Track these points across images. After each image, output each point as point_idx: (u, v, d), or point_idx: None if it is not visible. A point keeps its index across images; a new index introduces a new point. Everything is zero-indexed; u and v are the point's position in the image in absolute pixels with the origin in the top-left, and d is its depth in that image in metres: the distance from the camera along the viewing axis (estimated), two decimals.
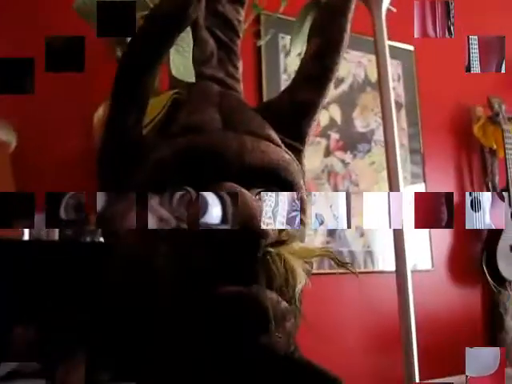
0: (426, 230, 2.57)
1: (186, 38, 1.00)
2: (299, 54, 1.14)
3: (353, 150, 2.38)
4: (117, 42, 1.60)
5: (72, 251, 1.33)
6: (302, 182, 0.95)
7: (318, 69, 1.01)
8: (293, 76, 1.05)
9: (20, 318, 1.14)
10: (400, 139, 2.54)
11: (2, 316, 1.11)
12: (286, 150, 0.95)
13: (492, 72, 2.75)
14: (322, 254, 0.86)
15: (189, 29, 0.99)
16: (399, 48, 2.58)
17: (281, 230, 0.84)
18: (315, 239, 2.17)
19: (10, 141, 1.52)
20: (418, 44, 2.66)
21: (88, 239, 1.51)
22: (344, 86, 2.38)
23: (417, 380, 1.41)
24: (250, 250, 0.76)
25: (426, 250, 2.57)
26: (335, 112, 2.34)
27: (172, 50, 0.97)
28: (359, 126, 2.41)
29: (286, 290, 0.79)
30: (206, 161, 0.85)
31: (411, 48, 2.65)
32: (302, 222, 0.90)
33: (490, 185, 2.79)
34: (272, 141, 0.93)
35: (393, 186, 1.45)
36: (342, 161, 2.33)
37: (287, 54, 2.23)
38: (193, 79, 1.01)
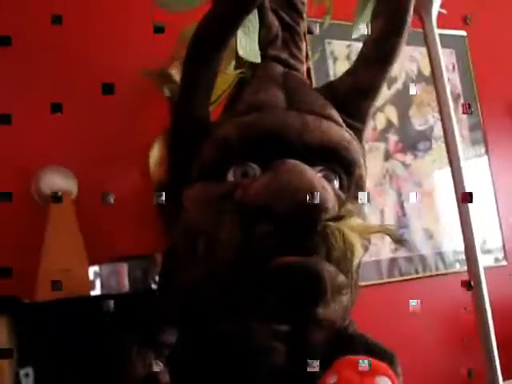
0: (497, 225, 2.47)
1: (252, 20, 1.01)
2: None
3: (413, 150, 2.29)
4: (164, 82, 1.59)
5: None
6: (362, 160, 0.97)
7: (379, 52, 1.02)
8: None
9: None
10: (460, 131, 2.44)
11: None
12: (347, 129, 0.97)
13: None
14: (380, 231, 0.88)
15: (255, 11, 1.01)
16: (451, 35, 2.47)
17: (340, 206, 0.86)
18: (383, 248, 2.10)
19: (72, 189, 1.52)
20: (470, 29, 2.54)
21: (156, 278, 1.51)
22: (397, 85, 2.29)
23: (500, 378, 1.38)
24: (311, 224, 0.79)
25: (498, 246, 2.47)
26: (391, 113, 2.25)
27: (239, 31, 0.99)
28: (417, 124, 2.32)
29: (344, 264, 0.81)
30: (269, 139, 0.88)
31: (464, 33, 2.53)
32: (360, 199, 0.95)
33: None
34: (334, 120, 0.96)
35: (456, 183, 1.42)
36: (403, 163, 2.25)
37: (335, 59, 2.17)
38: (258, 60, 1.02)
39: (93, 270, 1.45)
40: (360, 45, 1.02)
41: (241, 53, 1.01)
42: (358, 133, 1.01)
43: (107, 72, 1.72)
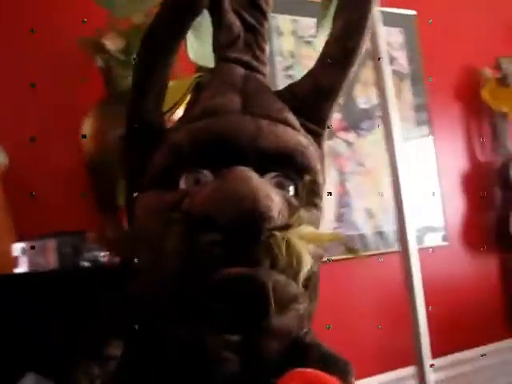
0: (440, 204, 2.51)
1: (204, 23, 0.99)
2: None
3: (356, 128, 2.29)
4: (97, 52, 1.53)
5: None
6: (319, 166, 0.94)
7: (341, 51, 0.99)
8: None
9: None
10: (405, 112, 2.45)
11: None
12: (305, 134, 0.95)
13: (500, 32, 2.65)
14: (332, 239, 0.86)
15: (207, 14, 0.99)
16: (400, 14, 2.46)
17: (292, 214, 0.84)
18: (323, 225, 2.10)
19: (1, 161, 1.46)
20: (420, 8, 2.54)
21: (88, 256, 1.48)
22: None
23: (428, 355, 1.42)
24: (254, 233, 0.77)
25: (439, 226, 2.50)
26: None
27: (190, 35, 0.98)
28: (361, 102, 2.32)
29: (291, 274, 0.80)
30: (221, 144, 0.86)
31: (413, 13, 2.52)
32: (317, 205, 0.92)
33: (501, 150, 2.70)
34: (290, 125, 0.93)
35: (393, 164, 1.43)
36: (346, 141, 2.24)
37: (280, 34, 2.13)
38: (211, 64, 1.00)
39: (19, 247, 1.40)
40: (307, 19, 0.98)
41: (191, 56, 1.01)
42: (317, 137, 0.98)
43: (42, 42, 1.66)
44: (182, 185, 0.87)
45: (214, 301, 0.78)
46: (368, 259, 2.24)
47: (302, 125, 0.96)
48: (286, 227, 0.80)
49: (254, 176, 0.82)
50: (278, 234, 0.79)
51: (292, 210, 0.85)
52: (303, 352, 0.89)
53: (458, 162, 2.65)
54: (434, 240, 2.49)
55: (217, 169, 0.85)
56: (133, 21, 1.52)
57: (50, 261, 1.41)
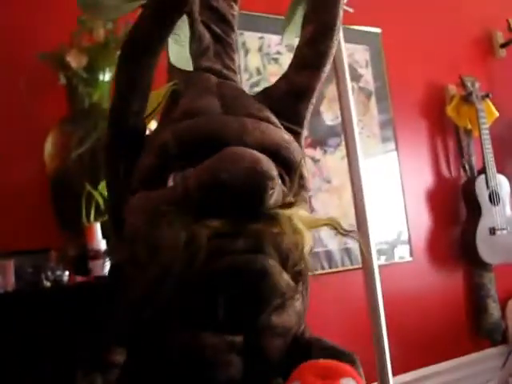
0: (404, 220, 2.52)
1: (183, 28, 1.01)
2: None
3: (323, 145, 2.30)
4: (60, 69, 1.52)
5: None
6: (302, 160, 0.97)
7: (313, 54, 1.04)
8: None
9: None
10: (371, 128, 2.46)
11: None
12: (286, 131, 0.98)
13: (463, 50, 2.67)
14: (327, 223, 0.88)
15: (186, 19, 1.01)
16: (366, 32, 2.48)
17: (285, 197, 0.86)
18: None
19: None
20: (385, 26, 2.57)
21: (49, 275, 1.45)
22: None
23: (390, 372, 1.41)
24: (258, 193, 0.77)
25: (404, 241, 2.52)
26: None
27: (170, 40, 0.98)
28: (328, 119, 2.32)
29: (296, 251, 0.80)
30: (208, 141, 0.87)
31: (378, 30, 2.55)
32: (303, 197, 0.96)
33: (466, 166, 2.74)
34: (272, 122, 0.96)
35: (354, 179, 1.43)
36: (312, 158, 2.25)
37: (246, 51, 2.14)
38: (190, 68, 1.02)
39: None
40: (273, 37, 1.00)
41: (172, 60, 1.01)
42: (296, 136, 1.01)
43: (1, 56, 1.64)
44: (171, 184, 0.87)
45: (216, 290, 0.77)
46: (334, 275, 2.24)
47: (282, 125, 0.99)
48: (288, 205, 0.82)
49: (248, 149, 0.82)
50: (281, 211, 0.80)
51: (285, 193, 0.86)
52: (306, 348, 0.90)
53: (423, 178, 2.67)
54: (403, 252, 2.51)
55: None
56: (95, 37, 1.51)
57: (8, 281, 1.38)
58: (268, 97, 1.03)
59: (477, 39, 2.94)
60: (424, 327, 2.47)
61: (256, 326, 0.82)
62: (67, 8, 1.67)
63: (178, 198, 0.82)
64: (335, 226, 0.88)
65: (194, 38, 1.04)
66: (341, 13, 1.06)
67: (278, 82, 1.06)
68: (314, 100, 1.04)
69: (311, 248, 0.87)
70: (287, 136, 0.96)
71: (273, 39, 2.19)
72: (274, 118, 0.98)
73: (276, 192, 0.81)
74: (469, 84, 2.65)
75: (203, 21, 1.08)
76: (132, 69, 0.92)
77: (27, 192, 1.63)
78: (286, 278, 0.80)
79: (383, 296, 1.38)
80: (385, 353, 1.39)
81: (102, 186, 1.49)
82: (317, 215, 2.21)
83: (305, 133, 1.05)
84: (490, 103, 2.70)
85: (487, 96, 2.69)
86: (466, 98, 2.66)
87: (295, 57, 1.06)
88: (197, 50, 1.05)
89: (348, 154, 1.41)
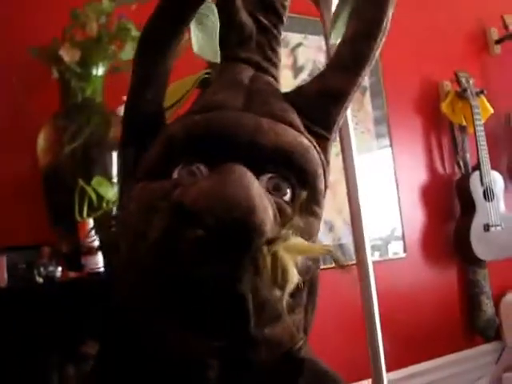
0: (398, 216, 2.53)
1: (211, 18, 0.95)
2: None
3: None
4: (53, 63, 1.51)
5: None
6: (320, 170, 0.89)
7: (352, 55, 0.95)
8: None
9: None
10: (365, 124, 2.46)
11: None
12: (308, 136, 0.90)
13: (458, 46, 2.67)
14: (322, 252, 0.81)
15: (215, 9, 0.95)
16: None
17: (284, 223, 0.79)
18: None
19: None
20: None
21: (42, 271, 1.44)
22: (304, 75, 2.28)
23: (383, 368, 1.41)
24: (241, 246, 0.73)
25: (398, 237, 2.52)
26: None
27: (194, 27, 0.93)
28: None
29: (274, 288, 0.74)
30: (216, 138, 0.83)
31: None
32: (314, 213, 0.88)
33: (461, 163, 2.74)
34: (292, 125, 0.89)
35: (349, 175, 1.42)
36: None
37: None
38: (217, 59, 0.95)
39: None
40: None
41: (195, 49, 0.94)
42: (323, 142, 0.93)
43: None
44: (175, 177, 0.84)
45: (189, 299, 0.74)
46: (328, 271, 2.23)
47: (308, 127, 0.92)
48: (273, 240, 0.75)
49: (252, 181, 0.77)
50: (264, 247, 0.74)
51: (284, 219, 0.80)
52: (296, 367, 0.85)
53: (417, 174, 2.67)
54: (397, 248, 2.51)
55: (212, 163, 0.81)
56: (88, 32, 1.50)
57: (1, 277, 1.38)
58: (300, 96, 0.95)
59: (471, 35, 2.95)
60: (418, 324, 2.47)
61: (241, 336, 0.78)
62: (60, 2, 1.68)
63: (174, 200, 0.78)
64: (331, 255, 0.80)
65: (234, 27, 0.99)
66: (390, 11, 0.96)
67: (313, 80, 0.98)
68: (348, 104, 0.96)
69: (312, 268, 0.83)
70: (306, 141, 0.89)
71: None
72: (296, 121, 0.91)
73: (269, 230, 0.76)
74: (463, 80, 2.65)
75: (250, 10, 1.02)
76: (150, 58, 0.89)
77: (19, 187, 1.62)
78: (277, 293, 0.76)
79: (377, 292, 1.37)
80: (378, 349, 1.39)
81: (95, 181, 1.49)
82: None
83: (334, 139, 0.97)
84: (485, 100, 2.70)
85: (482, 92, 2.68)
86: (461, 95, 2.66)
87: (334, 55, 0.98)
88: (236, 40, 0.99)
89: (343, 150, 1.40)
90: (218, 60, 0.95)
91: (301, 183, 0.86)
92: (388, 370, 1.37)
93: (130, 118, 0.93)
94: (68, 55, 1.48)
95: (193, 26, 0.92)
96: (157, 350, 0.80)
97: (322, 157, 0.92)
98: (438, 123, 2.75)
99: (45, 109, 1.57)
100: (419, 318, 2.49)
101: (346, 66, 0.95)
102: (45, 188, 1.56)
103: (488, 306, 2.68)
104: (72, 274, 1.46)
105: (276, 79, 1.01)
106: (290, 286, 0.75)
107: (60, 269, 1.46)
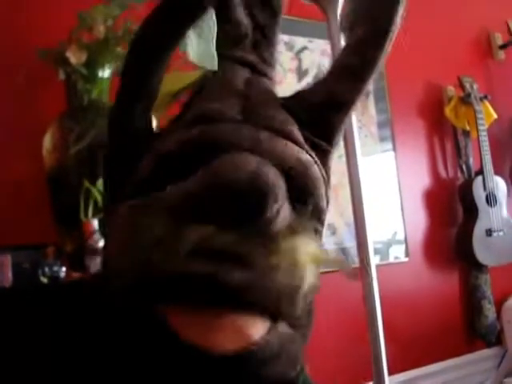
0: (401, 220, 2.53)
1: (209, 22, 0.91)
2: None
3: None
4: (60, 65, 1.52)
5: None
6: (322, 189, 0.85)
7: (358, 62, 0.91)
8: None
9: None
10: (369, 128, 2.47)
11: None
12: (309, 150, 0.86)
13: (462, 51, 2.67)
14: (335, 263, 0.85)
15: (212, 12, 0.91)
16: None
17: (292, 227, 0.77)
18: None
19: None
20: None
21: (46, 271, 1.45)
22: (308, 78, 2.28)
23: (385, 372, 1.41)
24: (255, 210, 0.71)
25: (400, 241, 2.52)
26: None
27: (191, 33, 0.89)
28: None
29: (288, 290, 0.72)
30: (213, 157, 0.78)
31: None
32: (316, 231, 0.85)
33: (464, 168, 2.74)
34: (294, 140, 0.85)
35: (352, 178, 1.42)
36: None
37: None
38: (214, 67, 0.91)
39: None
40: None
41: (191, 56, 0.90)
42: (324, 154, 0.89)
43: (1, 52, 1.63)
44: None
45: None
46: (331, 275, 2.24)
47: (307, 139, 0.87)
48: (292, 231, 0.73)
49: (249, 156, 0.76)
50: (283, 237, 0.71)
51: (293, 225, 0.77)
52: None
53: (420, 178, 2.67)
54: (398, 252, 2.51)
55: None
56: (95, 34, 1.51)
57: (6, 277, 1.38)
58: (299, 102, 0.91)
59: (476, 41, 2.95)
60: (419, 328, 2.47)
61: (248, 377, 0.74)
62: (67, 4, 1.69)
63: (171, 200, 0.75)
64: (343, 267, 0.82)
65: (229, 24, 0.94)
66: (399, 17, 0.95)
67: (313, 86, 0.95)
68: (351, 113, 0.93)
69: (314, 286, 0.78)
70: (307, 157, 0.84)
71: None
72: (297, 134, 0.86)
73: (282, 214, 0.73)
74: (467, 85, 2.66)
75: (246, 7, 0.97)
76: (139, 71, 0.86)
77: (25, 187, 1.63)
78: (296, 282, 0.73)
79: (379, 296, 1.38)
80: (381, 352, 1.40)
81: (101, 182, 1.50)
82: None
83: (335, 151, 0.92)
84: (489, 105, 2.71)
85: (485, 97, 2.69)
86: (465, 100, 2.66)
87: (337, 61, 0.96)
88: (231, 38, 0.95)
89: (346, 154, 1.40)
90: (216, 68, 0.91)
91: (301, 201, 0.82)
92: (389, 374, 1.38)
93: (116, 135, 0.89)
94: (75, 57, 1.49)
95: (191, 31, 0.89)
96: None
97: (323, 171, 0.88)
98: (441, 128, 2.75)
99: (51, 110, 1.58)
100: (421, 322, 2.48)
101: (352, 73, 0.92)
102: (50, 188, 1.57)
103: (490, 311, 2.68)
104: (76, 275, 1.47)
105: (272, 80, 0.97)
106: (304, 291, 0.73)
107: (64, 269, 1.47)
